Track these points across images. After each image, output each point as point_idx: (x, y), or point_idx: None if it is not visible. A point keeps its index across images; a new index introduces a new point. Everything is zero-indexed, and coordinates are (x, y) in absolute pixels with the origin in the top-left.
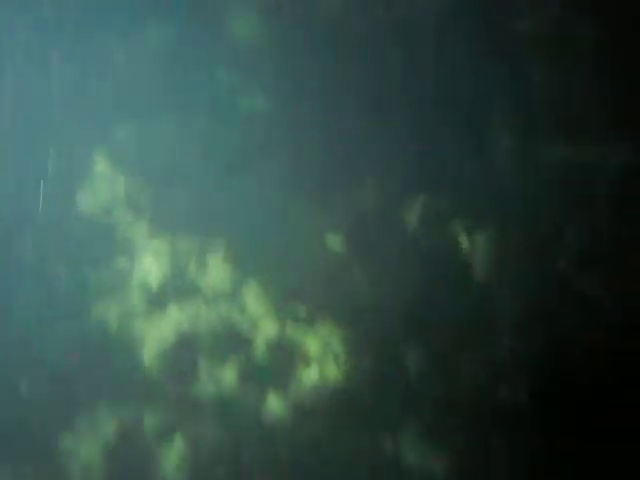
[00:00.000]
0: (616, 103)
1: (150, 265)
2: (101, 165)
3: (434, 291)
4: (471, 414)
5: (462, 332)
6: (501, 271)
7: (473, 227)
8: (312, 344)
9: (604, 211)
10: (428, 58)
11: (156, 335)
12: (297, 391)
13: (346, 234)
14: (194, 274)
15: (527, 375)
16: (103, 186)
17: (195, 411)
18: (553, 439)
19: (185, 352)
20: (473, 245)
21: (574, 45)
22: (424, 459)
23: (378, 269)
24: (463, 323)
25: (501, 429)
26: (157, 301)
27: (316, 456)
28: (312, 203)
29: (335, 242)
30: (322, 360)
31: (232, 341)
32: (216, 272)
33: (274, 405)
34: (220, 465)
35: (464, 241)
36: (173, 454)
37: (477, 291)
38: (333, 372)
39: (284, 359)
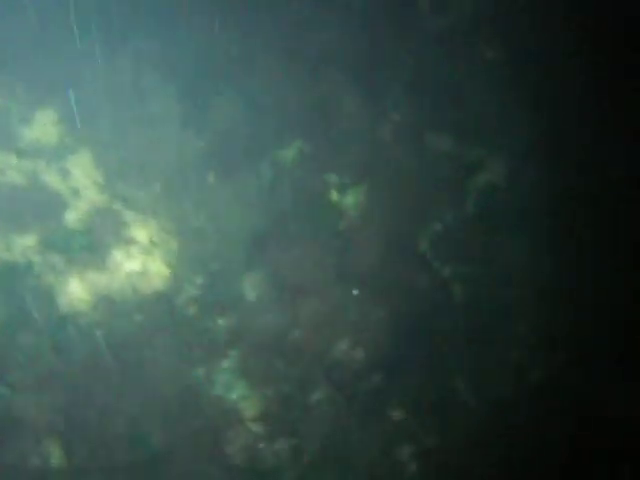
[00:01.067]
0: (504, 110)
1: None
2: None
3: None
4: None
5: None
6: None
7: (347, 183)
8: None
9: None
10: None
11: None
12: (107, 278)
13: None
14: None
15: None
16: None
17: None
18: None
19: None
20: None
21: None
22: None
23: (244, 194)
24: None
25: None
26: None
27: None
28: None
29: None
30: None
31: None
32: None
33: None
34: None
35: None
36: None
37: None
38: (156, 269)
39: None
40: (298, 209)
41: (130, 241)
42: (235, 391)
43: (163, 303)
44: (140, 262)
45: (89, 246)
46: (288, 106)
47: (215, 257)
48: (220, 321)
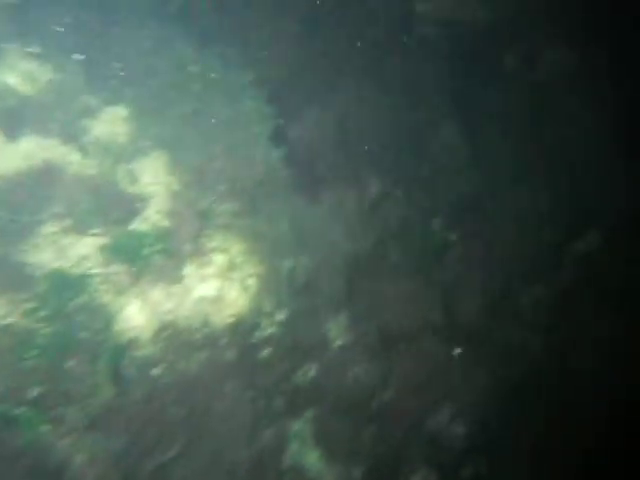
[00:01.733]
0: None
1: None
2: None
3: None
4: None
5: None
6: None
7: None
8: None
9: None
10: None
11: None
12: (175, 302)
13: None
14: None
15: None
16: None
17: None
18: None
19: None
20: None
21: None
22: None
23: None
24: None
25: None
26: None
27: None
28: None
29: None
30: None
31: None
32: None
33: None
34: None
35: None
36: None
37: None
38: (233, 296)
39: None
40: (400, 234)
41: (206, 260)
42: (309, 464)
43: (236, 339)
44: (215, 286)
45: (161, 254)
46: (381, 130)
47: (301, 289)
48: (299, 371)
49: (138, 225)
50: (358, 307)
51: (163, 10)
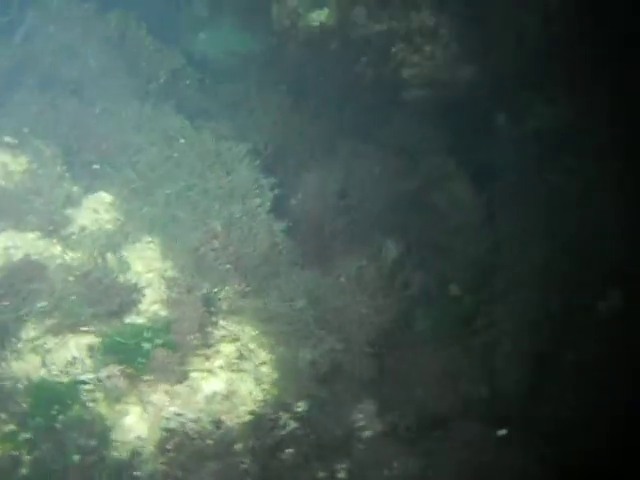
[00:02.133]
0: None
1: None
2: None
3: None
4: None
5: None
6: None
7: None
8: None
9: None
10: None
11: None
12: (180, 403)
13: None
14: None
15: None
16: None
17: None
18: None
19: None
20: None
21: None
22: None
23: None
24: None
25: None
26: None
27: None
28: None
29: None
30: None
31: None
32: None
33: None
34: None
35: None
36: None
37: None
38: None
39: None
40: (424, 300)
41: (213, 351)
42: None
43: (253, 442)
44: (225, 380)
45: (161, 349)
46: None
47: (323, 374)
48: (326, 472)
49: (133, 318)
50: (388, 388)
51: (145, 88)
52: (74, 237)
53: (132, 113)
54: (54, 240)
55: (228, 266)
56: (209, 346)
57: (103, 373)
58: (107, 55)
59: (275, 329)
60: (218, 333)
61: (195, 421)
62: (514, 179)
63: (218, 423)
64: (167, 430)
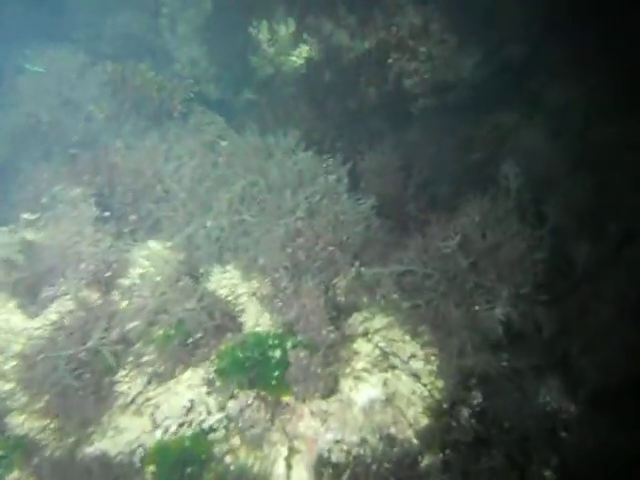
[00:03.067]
0: None
1: None
2: None
3: None
4: None
5: None
6: None
7: None
8: None
9: None
10: None
11: None
12: None
13: None
14: None
15: None
16: None
17: None
18: None
19: None
20: None
21: None
22: None
23: None
24: None
25: None
26: None
27: None
28: None
29: None
30: None
31: None
32: None
33: None
34: None
35: None
36: None
37: None
38: None
39: None
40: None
41: (350, 352)
42: None
43: (436, 450)
44: (377, 384)
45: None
46: None
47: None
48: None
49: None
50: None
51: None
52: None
53: (155, 141)
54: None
55: (320, 261)
56: (345, 343)
57: (233, 407)
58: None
59: (410, 314)
60: (349, 327)
61: (360, 444)
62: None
63: (389, 438)
64: (331, 465)
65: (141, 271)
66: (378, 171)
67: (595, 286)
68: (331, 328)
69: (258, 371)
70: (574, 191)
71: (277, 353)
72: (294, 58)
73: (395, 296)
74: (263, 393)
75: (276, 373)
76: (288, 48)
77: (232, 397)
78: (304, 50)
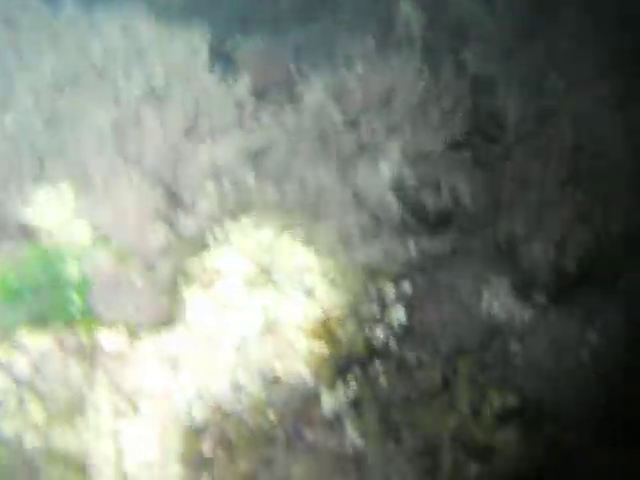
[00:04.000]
0: None
1: None
2: None
3: None
4: None
5: None
6: None
7: None
8: None
9: None
10: None
11: None
12: None
13: None
14: None
15: None
16: None
17: None
18: None
19: None
20: None
21: None
22: None
23: None
24: None
25: None
26: None
27: None
28: None
29: None
30: None
31: None
32: None
33: None
34: None
35: None
36: None
37: None
38: None
39: None
40: None
41: None
42: None
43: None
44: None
45: None
46: None
47: None
48: None
49: None
50: None
51: None
52: None
53: None
54: None
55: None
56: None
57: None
58: None
59: None
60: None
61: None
62: None
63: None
64: (193, 430)
65: None
66: None
67: (534, 150)
68: (161, 228)
69: (49, 301)
70: (502, 36)
71: (75, 270)
72: None
73: (251, 181)
74: (63, 334)
75: (77, 300)
76: None
77: (14, 347)
78: None
